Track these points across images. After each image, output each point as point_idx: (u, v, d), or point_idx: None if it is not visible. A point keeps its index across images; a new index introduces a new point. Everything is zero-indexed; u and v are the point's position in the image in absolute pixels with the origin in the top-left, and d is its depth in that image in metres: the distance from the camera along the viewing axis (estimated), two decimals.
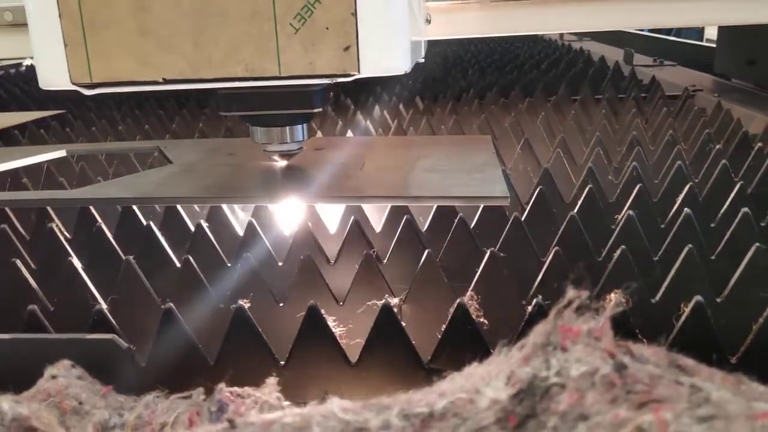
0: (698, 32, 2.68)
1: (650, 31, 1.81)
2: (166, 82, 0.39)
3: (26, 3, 0.38)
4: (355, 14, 0.37)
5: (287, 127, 0.46)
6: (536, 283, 0.41)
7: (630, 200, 0.50)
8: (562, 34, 1.79)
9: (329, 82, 0.39)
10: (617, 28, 0.77)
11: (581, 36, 1.85)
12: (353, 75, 0.38)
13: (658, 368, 0.19)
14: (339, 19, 0.37)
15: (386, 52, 0.38)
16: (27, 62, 1.49)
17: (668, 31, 2.38)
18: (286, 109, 0.44)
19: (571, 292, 0.21)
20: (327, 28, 0.37)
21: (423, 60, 0.52)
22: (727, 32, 1.11)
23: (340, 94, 0.91)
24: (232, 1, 0.37)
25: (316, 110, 0.44)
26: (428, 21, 0.70)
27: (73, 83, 0.39)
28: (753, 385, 0.20)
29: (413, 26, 0.41)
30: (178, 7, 0.37)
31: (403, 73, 0.39)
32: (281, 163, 0.50)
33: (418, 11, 0.47)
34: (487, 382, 0.20)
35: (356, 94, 0.92)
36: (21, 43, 0.75)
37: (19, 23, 0.72)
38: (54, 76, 0.39)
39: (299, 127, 0.47)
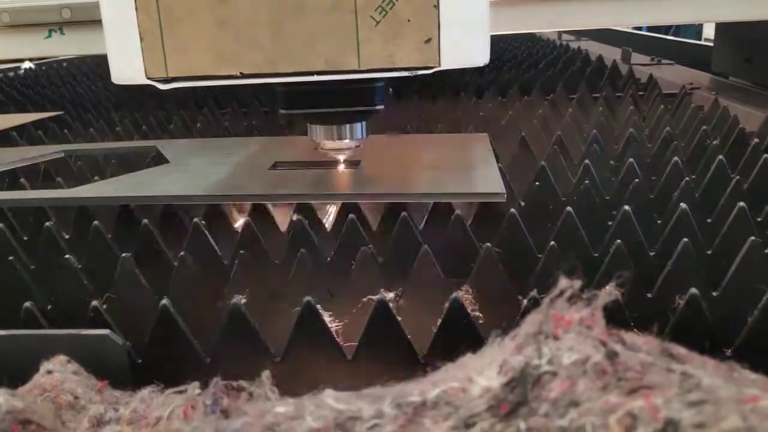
0: (697, 32, 2.68)
1: (648, 30, 1.81)
2: (243, 76, 0.38)
3: None
4: (437, 6, 0.37)
5: (347, 125, 0.46)
6: (532, 279, 0.41)
7: (626, 196, 0.50)
8: (560, 34, 1.79)
9: (408, 75, 0.38)
10: (615, 26, 0.77)
11: (579, 35, 1.85)
12: (433, 68, 0.38)
13: (649, 356, 0.19)
14: (421, 11, 0.37)
15: (467, 44, 0.38)
16: (25, 65, 1.49)
17: (666, 31, 2.39)
18: (349, 107, 0.44)
19: (563, 282, 0.21)
20: (408, 20, 0.37)
21: None
22: (724, 31, 1.11)
23: None
24: None
25: (378, 108, 0.44)
26: None
27: (149, 78, 0.38)
28: (745, 372, 0.20)
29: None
30: None
31: (482, 65, 0.39)
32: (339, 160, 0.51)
33: None
34: (479, 371, 0.20)
35: None
36: (19, 44, 0.76)
37: (16, 24, 0.72)
38: (128, 71, 0.38)
39: (359, 125, 0.46)
